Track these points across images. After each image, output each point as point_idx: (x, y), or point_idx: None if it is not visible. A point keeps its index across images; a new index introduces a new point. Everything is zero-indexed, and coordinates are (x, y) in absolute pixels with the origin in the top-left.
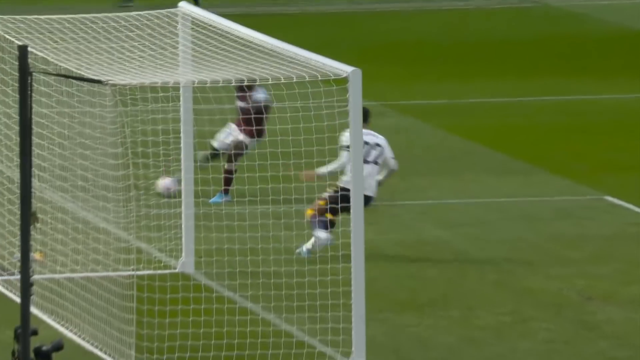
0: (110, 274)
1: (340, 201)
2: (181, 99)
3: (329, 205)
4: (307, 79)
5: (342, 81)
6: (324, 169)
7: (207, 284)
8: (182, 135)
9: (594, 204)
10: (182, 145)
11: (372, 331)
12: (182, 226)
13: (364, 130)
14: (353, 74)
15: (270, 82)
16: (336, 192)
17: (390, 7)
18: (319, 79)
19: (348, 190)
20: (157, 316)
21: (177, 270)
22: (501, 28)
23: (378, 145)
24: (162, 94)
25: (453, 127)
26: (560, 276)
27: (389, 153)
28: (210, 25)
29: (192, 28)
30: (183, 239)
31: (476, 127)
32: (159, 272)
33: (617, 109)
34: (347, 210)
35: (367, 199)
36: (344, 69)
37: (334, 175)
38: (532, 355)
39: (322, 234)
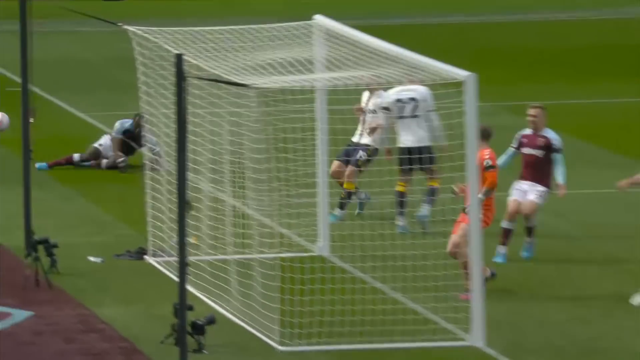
0: (257, 256)
1: (402, 162)
2: (316, 100)
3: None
4: (428, 83)
5: (458, 84)
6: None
7: (341, 266)
8: (318, 132)
9: None
10: (318, 141)
11: (489, 309)
12: (319, 213)
13: (402, 87)
14: (469, 78)
15: (394, 85)
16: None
17: (501, 18)
18: (439, 82)
19: (404, 148)
20: (297, 294)
21: (314, 253)
22: (597, 37)
23: (412, 99)
24: (300, 96)
25: (559, 125)
26: None
27: (429, 105)
28: (341, 35)
29: (326, 38)
30: (319, 225)
31: (581, 125)
32: (299, 254)
33: None
34: (415, 168)
35: (409, 151)
36: (460, 73)
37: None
38: (638, 333)
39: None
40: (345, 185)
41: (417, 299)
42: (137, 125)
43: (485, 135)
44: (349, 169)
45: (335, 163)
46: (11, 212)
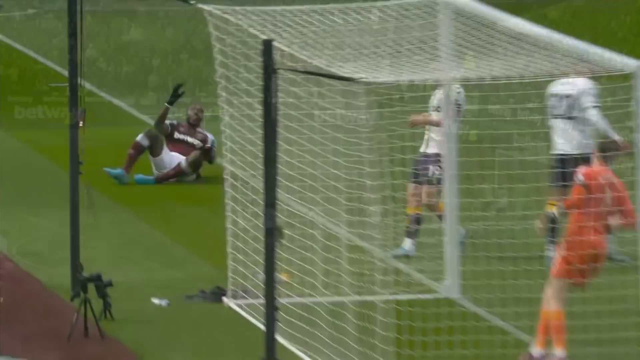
0: (366, 298)
1: (554, 176)
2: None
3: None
4: (586, 75)
5: (626, 77)
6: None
7: (474, 311)
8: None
9: None
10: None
11: None
12: (446, 244)
13: (564, 80)
14: None
15: (543, 79)
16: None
17: None
18: (599, 74)
19: (556, 157)
20: (419, 347)
21: (440, 295)
22: None
23: (568, 96)
24: (421, 93)
25: None
26: None
27: (585, 102)
28: (474, 15)
29: (454, 19)
30: (447, 258)
31: None
32: (420, 296)
33: None
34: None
35: (563, 161)
36: (630, 63)
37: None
38: None
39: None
40: (408, 209)
41: (575, 355)
42: (195, 109)
43: (600, 149)
44: (426, 188)
45: (410, 187)
46: (55, 242)
